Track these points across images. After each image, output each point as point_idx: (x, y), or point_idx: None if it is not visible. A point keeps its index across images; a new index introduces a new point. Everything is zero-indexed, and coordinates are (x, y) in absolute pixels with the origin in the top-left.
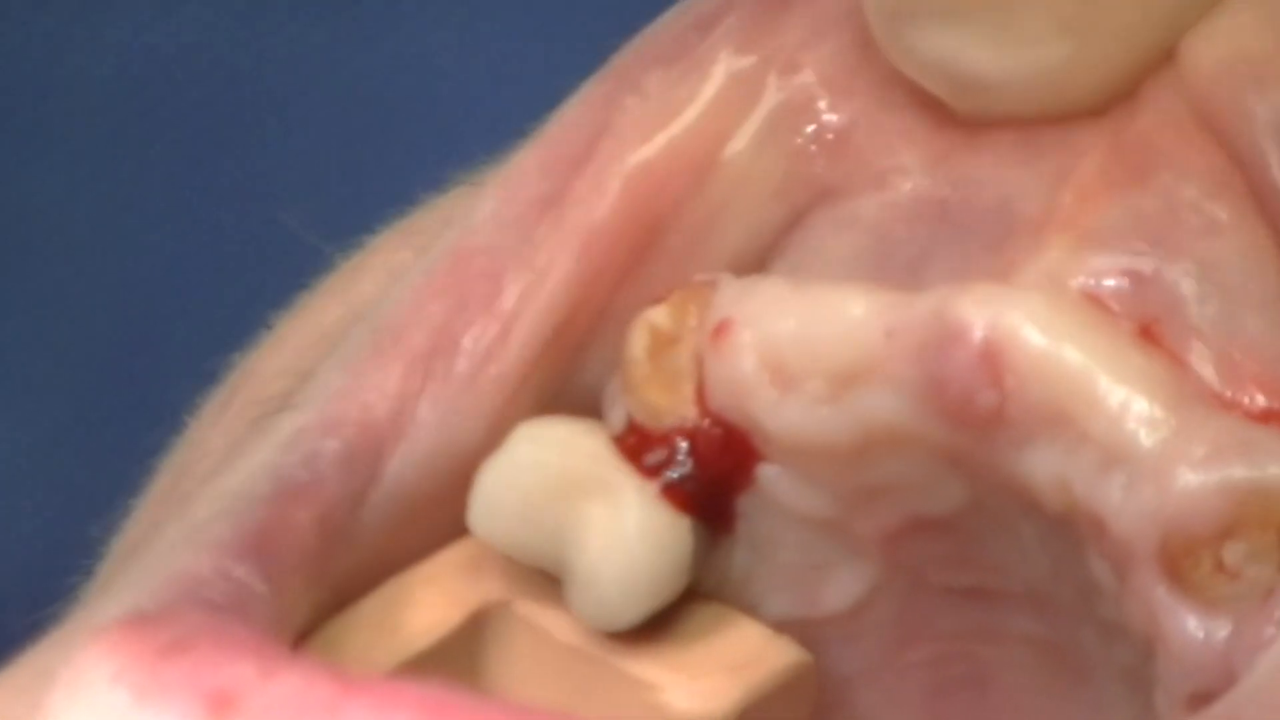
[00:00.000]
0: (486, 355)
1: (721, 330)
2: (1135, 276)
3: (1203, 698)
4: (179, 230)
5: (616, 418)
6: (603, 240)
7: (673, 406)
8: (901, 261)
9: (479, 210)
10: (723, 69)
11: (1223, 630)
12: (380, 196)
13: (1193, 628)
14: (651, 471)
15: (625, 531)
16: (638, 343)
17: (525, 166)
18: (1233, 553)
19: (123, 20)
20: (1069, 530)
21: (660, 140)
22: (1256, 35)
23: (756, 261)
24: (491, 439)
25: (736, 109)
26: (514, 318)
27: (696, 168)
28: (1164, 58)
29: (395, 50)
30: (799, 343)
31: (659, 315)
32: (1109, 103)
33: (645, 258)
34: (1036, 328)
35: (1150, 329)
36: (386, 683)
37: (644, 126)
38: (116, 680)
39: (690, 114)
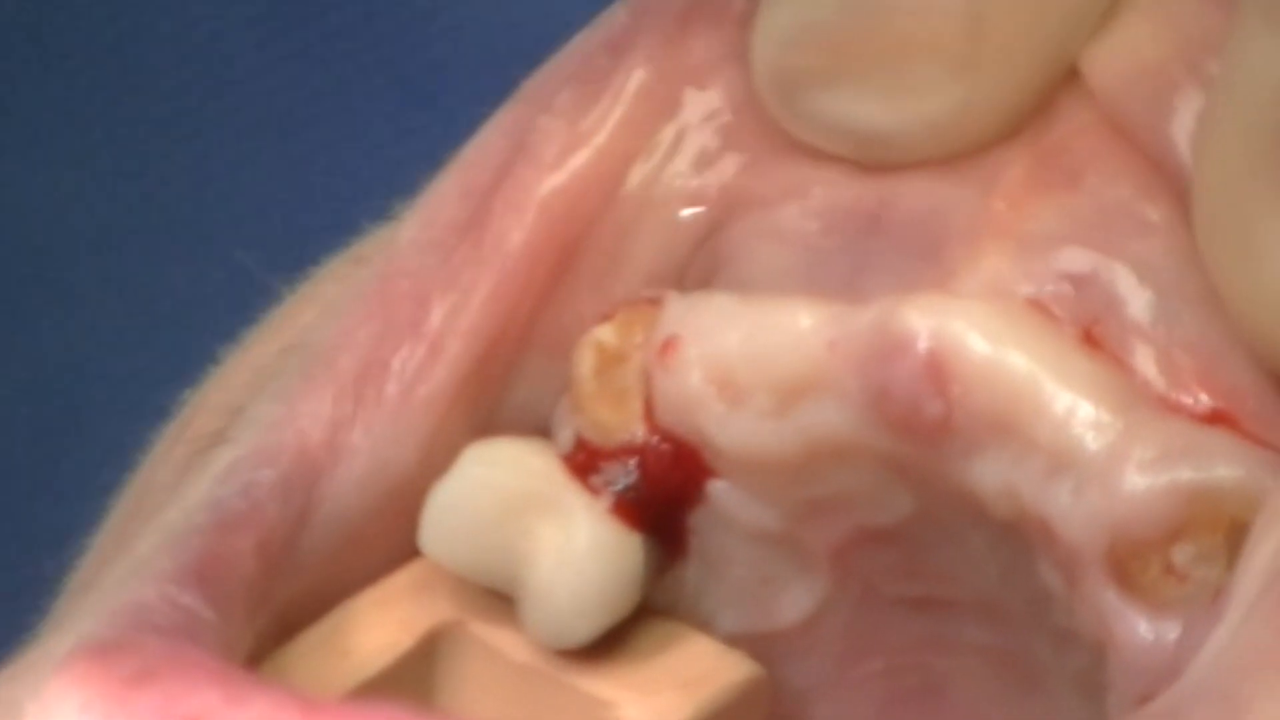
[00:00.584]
0: (416, 377)
1: (668, 347)
2: (1074, 279)
3: (1153, 699)
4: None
5: (565, 437)
6: (521, 261)
7: (621, 424)
8: (836, 274)
9: (401, 236)
10: (633, 88)
11: (1172, 632)
12: (329, 230)
13: (1142, 630)
14: (600, 488)
15: (576, 549)
16: (584, 361)
17: (444, 191)
18: (1181, 555)
19: (87, 60)
20: (1018, 538)
21: (574, 159)
22: (1155, 46)
23: (676, 275)
24: (427, 461)
25: (648, 126)
26: (440, 339)
27: (610, 185)
28: (1066, 75)
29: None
30: (745, 357)
31: (605, 333)
32: (1018, 127)
33: (565, 276)
34: (980, 336)
35: (1092, 332)
36: (352, 706)
37: (557, 146)
38: (84, 711)
39: (602, 133)
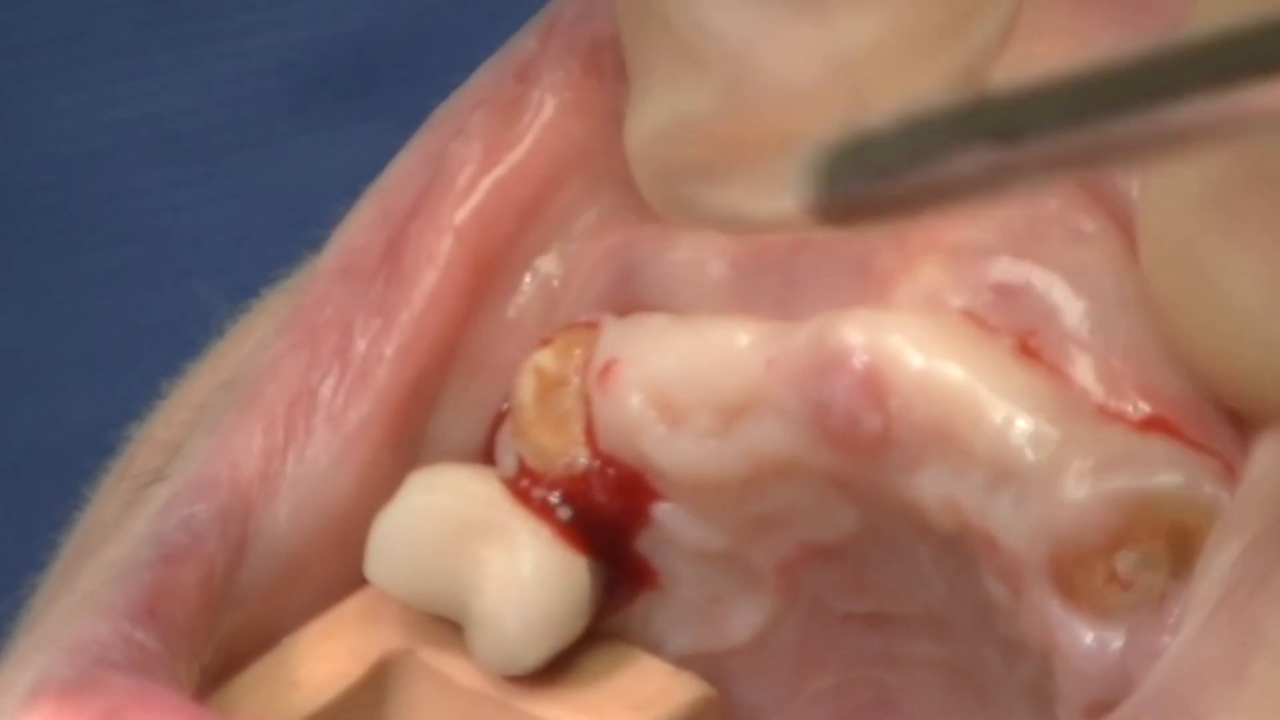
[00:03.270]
0: (345, 404)
1: (607, 370)
2: (1008, 290)
3: (1101, 707)
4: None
5: (508, 463)
6: (441, 285)
7: (562, 448)
8: (767, 290)
9: (323, 265)
10: (545, 114)
11: (1118, 640)
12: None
13: (1088, 639)
14: (545, 512)
15: (521, 574)
16: (525, 387)
17: (361, 219)
18: (1124, 562)
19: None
20: (962, 550)
21: (487, 182)
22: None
23: (600, 300)
24: (364, 487)
25: (561, 145)
26: (367, 366)
27: (524, 208)
28: None
29: None
30: (684, 378)
31: (545, 358)
32: None
33: (484, 300)
34: (917, 349)
35: (1028, 343)
36: None
37: (471, 169)
38: None
39: (516, 155)
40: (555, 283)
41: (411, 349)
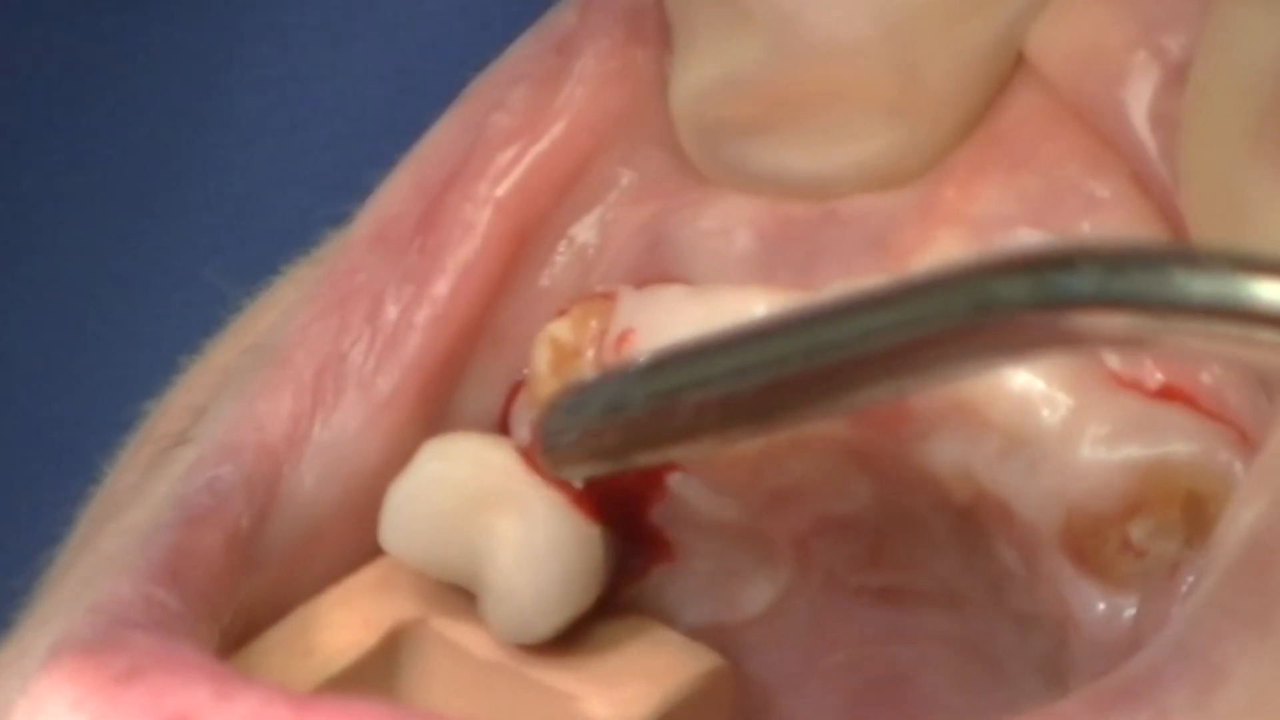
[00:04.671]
0: (374, 372)
1: (623, 340)
2: None
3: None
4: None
5: (524, 433)
6: (476, 255)
7: None
8: (791, 261)
9: (356, 233)
10: (584, 88)
11: (1130, 607)
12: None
13: (1101, 607)
14: (560, 481)
15: (536, 543)
16: (541, 357)
17: (396, 188)
18: (1138, 530)
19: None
20: (976, 521)
21: (528, 156)
22: (1114, 27)
23: (630, 270)
24: (389, 455)
25: (601, 116)
26: (398, 334)
27: (563, 181)
28: (1008, 74)
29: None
30: None
31: (561, 329)
32: (953, 148)
33: (518, 271)
34: None
35: None
36: (341, 702)
37: (511, 142)
38: (76, 708)
39: (557, 128)
40: (590, 251)
41: (444, 319)
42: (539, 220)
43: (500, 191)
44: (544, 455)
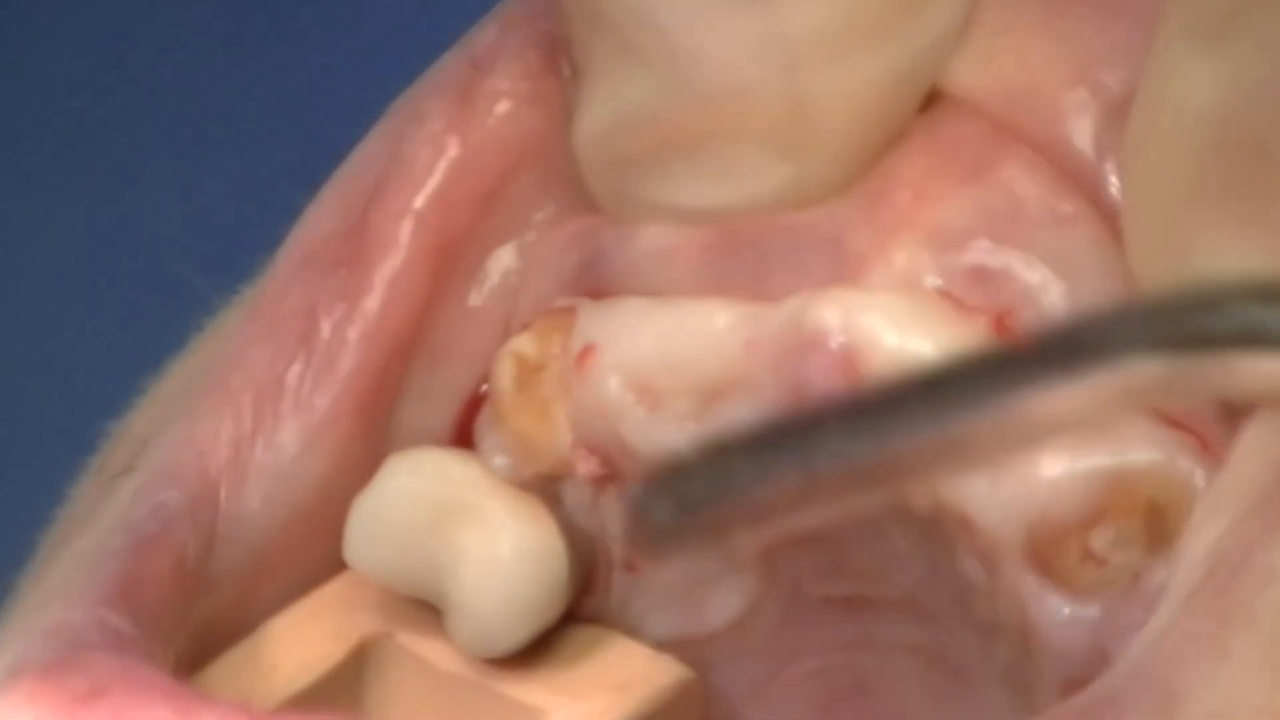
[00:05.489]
0: (312, 389)
1: (585, 354)
2: (984, 272)
3: (1077, 684)
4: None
5: (488, 446)
6: (402, 268)
7: (543, 433)
8: (742, 271)
9: (285, 256)
10: (503, 97)
11: (1093, 616)
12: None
13: (1063, 616)
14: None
15: (500, 557)
16: (504, 372)
17: (323, 206)
18: (1099, 539)
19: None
20: (939, 531)
21: (442, 165)
22: (1052, 65)
23: (567, 289)
24: (332, 473)
25: (517, 135)
26: (332, 351)
27: (483, 194)
28: (920, 108)
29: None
30: (662, 361)
31: (524, 344)
32: (853, 185)
33: (447, 286)
34: (893, 328)
35: (1004, 321)
36: (299, 716)
37: (429, 155)
38: None
39: (473, 139)
40: (514, 277)
41: (376, 333)
42: (462, 233)
43: (419, 203)
44: (644, 537)
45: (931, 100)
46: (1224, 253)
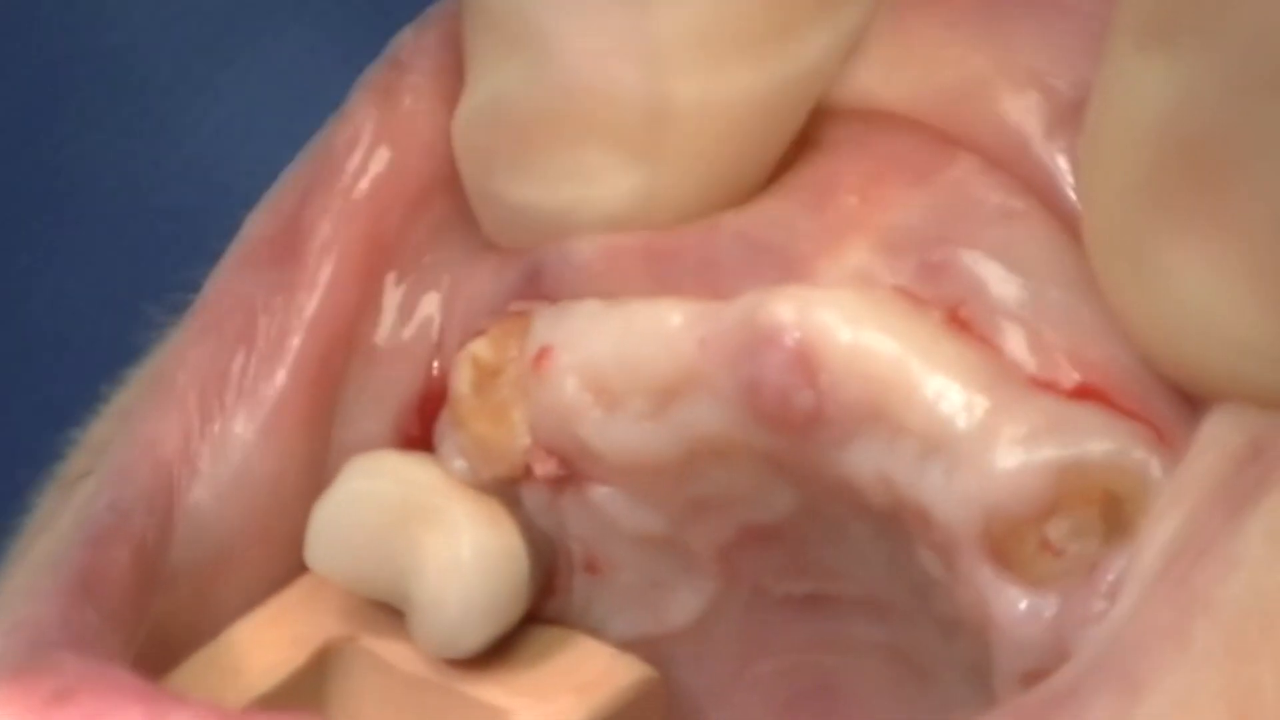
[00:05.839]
0: (255, 379)
1: (541, 357)
2: (937, 266)
3: (1036, 676)
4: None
5: (447, 450)
6: (336, 266)
7: (500, 437)
8: (689, 272)
9: (225, 260)
10: (423, 95)
11: (1051, 607)
12: None
13: (1021, 607)
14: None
15: (461, 558)
16: (462, 376)
17: (261, 209)
18: (1056, 530)
19: None
20: (897, 526)
21: (373, 164)
22: (998, 73)
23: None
24: (284, 463)
25: (438, 142)
26: (273, 342)
27: (413, 187)
28: (782, 139)
29: None
30: (618, 361)
31: (481, 348)
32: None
33: (379, 286)
34: (847, 323)
35: (958, 313)
36: (270, 717)
37: (353, 150)
38: None
39: (398, 134)
40: (448, 280)
41: (315, 323)
42: (391, 230)
43: (346, 201)
44: None
45: (848, 117)
46: (1180, 253)
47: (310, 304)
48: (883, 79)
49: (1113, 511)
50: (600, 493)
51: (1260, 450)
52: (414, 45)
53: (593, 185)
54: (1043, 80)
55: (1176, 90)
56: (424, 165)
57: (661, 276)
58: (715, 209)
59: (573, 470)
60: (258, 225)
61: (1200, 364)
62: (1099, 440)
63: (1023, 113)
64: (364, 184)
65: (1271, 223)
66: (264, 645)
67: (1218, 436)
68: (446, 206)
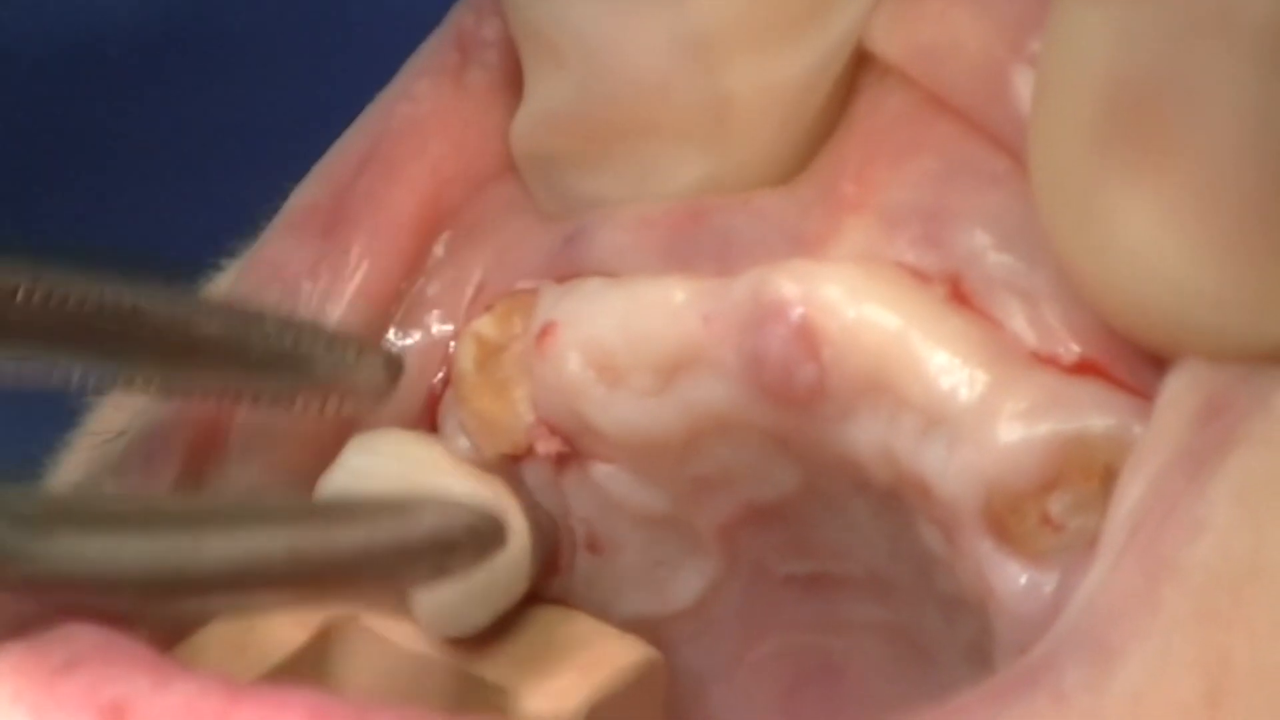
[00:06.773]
0: None
1: (545, 333)
2: (933, 239)
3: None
4: None
5: (451, 428)
6: (387, 240)
7: (502, 413)
8: (706, 251)
9: (274, 223)
10: (484, 82)
11: (1051, 582)
12: None
13: (1021, 581)
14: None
15: None
16: (466, 354)
17: (311, 178)
18: (1057, 504)
19: None
20: (898, 502)
21: (434, 145)
22: (981, 36)
23: (545, 267)
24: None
25: (502, 112)
26: (315, 310)
27: (472, 170)
28: (830, 103)
29: None
30: (622, 337)
31: (485, 325)
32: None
33: (424, 263)
34: (851, 299)
35: (960, 288)
36: (275, 689)
37: (416, 131)
38: (15, 701)
39: (461, 118)
40: (491, 253)
41: (359, 295)
42: (447, 208)
43: (407, 178)
44: None
45: (864, 62)
46: (1125, 199)
47: (356, 275)
48: (874, 26)
49: (1112, 486)
50: (603, 471)
51: (1217, 410)
52: (476, 30)
53: (667, 176)
54: (1017, 39)
55: (1117, 36)
56: (483, 146)
57: (682, 247)
58: (775, 184)
59: (575, 448)
60: (307, 191)
61: (1150, 312)
62: (1099, 415)
63: (997, 71)
64: (424, 163)
65: (1212, 164)
66: (267, 623)
67: (1176, 396)
68: (506, 188)
